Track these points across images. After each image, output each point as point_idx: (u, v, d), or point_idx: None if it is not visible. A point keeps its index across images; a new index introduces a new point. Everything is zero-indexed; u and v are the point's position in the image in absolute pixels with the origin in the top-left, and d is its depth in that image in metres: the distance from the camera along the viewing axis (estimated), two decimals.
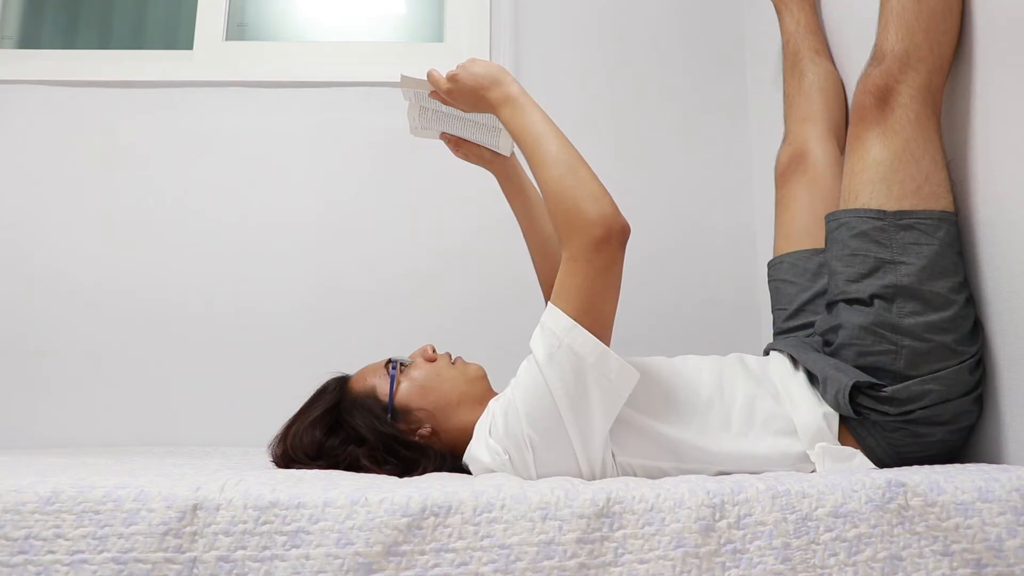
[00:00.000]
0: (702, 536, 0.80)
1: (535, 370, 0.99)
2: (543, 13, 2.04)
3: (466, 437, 1.09)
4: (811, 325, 1.27)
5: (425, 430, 1.10)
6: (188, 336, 1.84)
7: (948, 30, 1.08)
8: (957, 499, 0.81)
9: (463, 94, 1.16)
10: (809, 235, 1.34)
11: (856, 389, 1.01)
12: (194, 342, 1.84)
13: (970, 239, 1.08)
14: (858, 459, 1.02)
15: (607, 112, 1.99)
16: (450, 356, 1.20)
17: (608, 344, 1.01)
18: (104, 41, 2.22)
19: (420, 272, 1.90)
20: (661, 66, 2.03)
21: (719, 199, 1.96)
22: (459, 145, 1.34)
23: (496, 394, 1.14)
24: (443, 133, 1.33)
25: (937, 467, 0.92)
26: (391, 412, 1.10)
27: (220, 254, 1.89)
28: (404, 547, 0.79)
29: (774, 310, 1.38)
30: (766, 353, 1.23)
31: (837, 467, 1.00)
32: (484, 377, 1.18)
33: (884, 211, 1.05)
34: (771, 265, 1.40)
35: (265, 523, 0.80)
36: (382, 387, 1.12)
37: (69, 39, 2.21)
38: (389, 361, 1.16)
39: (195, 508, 0.80)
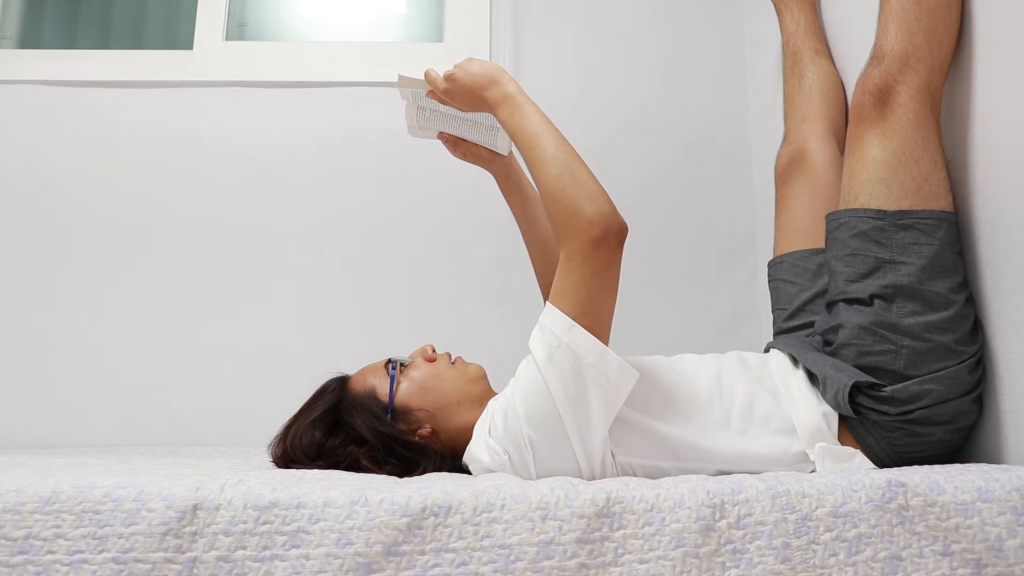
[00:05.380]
0: (702, 536, 0.80)
1: (534, 370, 0.99)
2: (543, 13, 2.04)
3: (466, 437, 1.09)
4: (811, 325, 1.27)
5: (425, 430, 1.10)
6: (188, 336, 1.84)
7: (948, 30, 1.08)
8: (957, 499, 0.81)
9: (460, 93, 1.16)
10: (809, 235, 1.34)
11: (856, 389, 1.01)
12: (194, 341, 1.84)
13: (970, 239, 1.08)
14: (858, 459, 1.02)
15: (606, 112, 1.99)
16: (450, 356, 1.20)
17: (607, 343, 1.01)
18: (104, 41, 2.22)
19: (419, 272, 1.90)
20: (661, 66, 2.03)
21: (719, 199, 1.96)
22: (457, 144, 1.34)
23: (496, 394, 1.14)
24: (441, 133, 1.33)
25: (937, 467, 0.92)
26: (391, 412, 1.10)
27: (219, 253, 1.89)
28: (404, 547, 0.79)
29: (774, 310, 1.38)
30: (766, 351, 1.23)
31: (837, 467, 1.00)
32: (484, 377, 1.18)
33: (884, 211, 1.05)
34: (771, 265, 1.40)
35: (265, 523, 0.80)
36: (382, 387, 1.12)
37: (69, 39, 2.21)
38: (389, 361, 1.16)
39: (195, 508, 0.80)
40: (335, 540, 0.79)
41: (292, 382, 1.23)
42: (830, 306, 1.12)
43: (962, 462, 1.01)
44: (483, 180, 1.39)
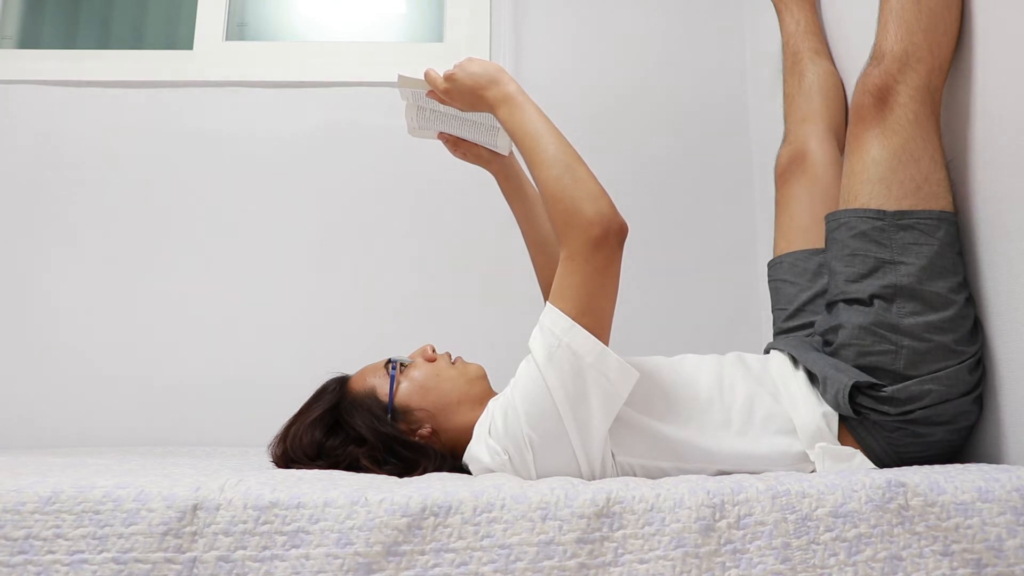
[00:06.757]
0: (702, 536, 0.80)
1: (534, 370, 0.99)
2: (543, 13, 2.04)
3: (466, 437, 1.09)
4: (811, 325, 1.27)
5: (425, 430, 1.10)
6: (188, 335, 1.84)
7: (947, 30, 1.08)
8: (957, 499, 0.81)
9: (460, 93, 1.16)
10: (809, 235, 1.34)
11: (856, 389, 1.01)
12: (194, 341, 1.84)
13: (970, 239, 1.08)
14: (858, 459, 1.02)
15: (607, 112, 1.99)
16: (450, 356, 1.20)
17: (607, 344, 1.01)
18: (104, 41, 2.22)
19: (420, 271, 1.90)
20: (661, 66, 2.03)
21: (719, 199, 1.96)
22: (457, 144, 1.34)
23: (496, 394, 1.14)
24: (441, 133, 1.33)
25: (937, 467, 0.92)
26: (391, 412, 1.10)
27: (219, 253, 1.89)
28: (404, 547, 0.79)
29: (774, 310, 1.38)
30: (766, 352, 1.23)
31: (837, 467, 1.00)
32: (484, 377, 1.18)
33: (884, 211, 1.05)
34: (771, 265, 1.40)
35: (265, 523, 0.80)
36: (382, 387, 1.12)
37: (69, 39, 2.21)
38: (389, 361, 1.16)
39: (195, 508, 0.80)
40: (335, 540, 0.79)
41: (292, 382, 1.23)
42: (830, 306, 1.12)
43: (962, 462, 1.01)
44: (483, 180, 1.39)
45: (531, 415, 0.98)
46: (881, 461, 1.02)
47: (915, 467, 0.94)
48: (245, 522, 0.80)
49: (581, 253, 1.00)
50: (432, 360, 1.17)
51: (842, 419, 1.04)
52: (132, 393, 1.81)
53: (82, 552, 0.78)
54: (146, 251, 1.88)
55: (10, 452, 1.49)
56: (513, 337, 1.27)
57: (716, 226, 1.95)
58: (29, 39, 2.19)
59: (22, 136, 1.93)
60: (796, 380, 1.10)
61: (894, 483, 0.82)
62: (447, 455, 1.11)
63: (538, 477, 0.97)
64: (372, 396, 1.12)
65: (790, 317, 1.32)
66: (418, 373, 1.14)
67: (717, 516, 0.81)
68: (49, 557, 0.78)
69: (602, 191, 1.02)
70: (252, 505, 0.81)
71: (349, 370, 1.20)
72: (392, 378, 1.12)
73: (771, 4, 1.66)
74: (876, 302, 1.04)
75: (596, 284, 1.00)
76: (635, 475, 1.02)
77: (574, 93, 1.99)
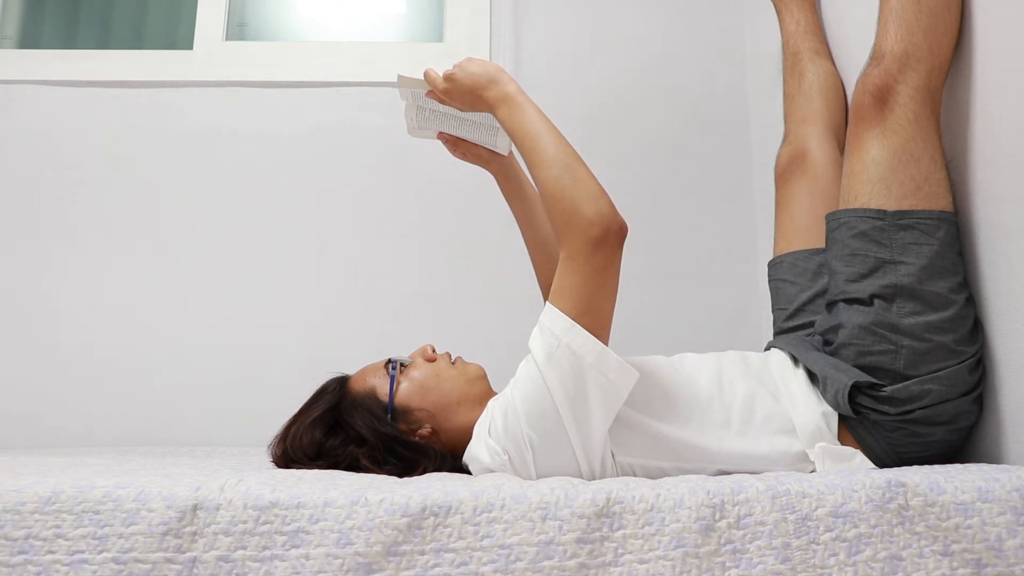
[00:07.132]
0: (702, 536, 0.80)
1: (534, 370, 0.99)
2: (543, 13, 2.04)
3: (466, 437, 1.09)
4: (811, 325, 1.27)
5: (425, 430, 1.10)
6: (188, 336, 1.84)
7: (947, 30, 1.08)
8: (957, 499, 0.81)
9: (460, 93, 1.16)
10: (809, 235, 1.34)
11: (856, 389, 1.01)
12: (194, 342, 1.84)
13: (970, 239, 1.08)
14: (858, 459, 1.02)
15: (607, 113, 1.99)
16: (450, 356, 1.20)
17: (607, 343, 1.01)
18: (104, 41, 2.22)
19: (420, 271, 1.90)
20: (661, 66, 2.03)
21: (719, 199, 1.96)
22: (457, 144, 1.34)
23: (496, 394, 1.14)
24: (441, 133, 1.33)
25: (937, 467, 0.92)
26: (391, 412, 1.10)
27: (219, 253, 1.89)
28: (404, 547, 0.79)
29: (774, 310, 1.38)
30: (766, 350, 1.23)
31: (837, 467, 1.00)
32: (484, 377, 1.17)
33: (884, 211, 1.05)
34: (771, 265, 1.40)
35: (265, 523, 0.80)
36: (382, 387, 1.12)
37: (69, 39, 2.21)
38: (389, 361, 1.16)
39: (195, 508, 0.80)
40: (335, 540, 0.79)
41: (292, 382, 1.23)
42: (830, 306, 1.12)
43: (962, 462, 1.01)
44: (483, 180, 1.39)
45: (531, 415, 0.98)
46: (881, 461, 1.02)
47: (915, 467, 0.94)
48: (245, 522, 0.80)
49: (581, 253, 1.00)
50: (432, 360, 1.17)
51: (842, 419, 1.04)
52: (132, 393, 1.81)
53: (82, 552, 0.78)
54: (146, 251, 1.88)
55: (10, 452, 1.49)
56: (513, 337, 1.27)
57: (716, 226, 1.95)
58: (29, 39, 2.19)
59: (22, 136, 1.93)
60: (796, 379, 1.10)
61: (894, 483, 0.82)
62: (447, 455, 1.11)
63: (538, 477, 0.97)
64: (372, 396, 1.12)
65: (790, 317, 1.32)
66: (418, 373, 1.14)
67: (717, 516, 0.81)
68: (49, 557, 0.78)
69: (602, 191, 1.02)
70: (252, 505, 0.81)
71: (349, 370, 1.20)
72: (392, 378, 1.12)
73: (771, 4, 1.66)
74: (876, 302, 1.04)
75: (596, 284, 1.00)
76: (635, 475, 1.02)
77: (574, 93, 1.99)
